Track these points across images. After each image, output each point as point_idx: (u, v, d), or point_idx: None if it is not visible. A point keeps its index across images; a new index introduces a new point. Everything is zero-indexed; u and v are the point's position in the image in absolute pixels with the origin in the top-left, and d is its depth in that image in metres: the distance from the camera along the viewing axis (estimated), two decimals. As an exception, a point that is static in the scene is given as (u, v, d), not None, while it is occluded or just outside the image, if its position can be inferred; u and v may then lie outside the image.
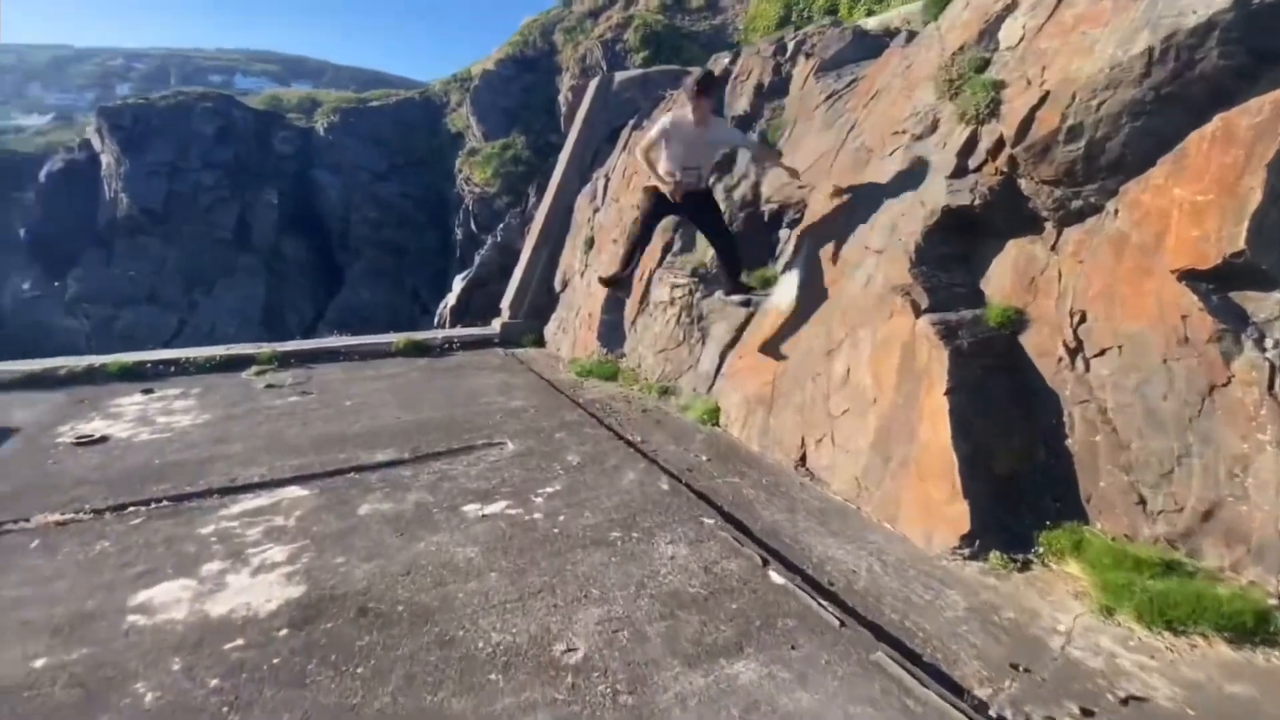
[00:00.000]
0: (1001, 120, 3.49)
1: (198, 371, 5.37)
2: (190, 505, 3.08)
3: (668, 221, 5.53)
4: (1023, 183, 3.43)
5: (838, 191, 4.30)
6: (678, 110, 4.11)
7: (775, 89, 5.50)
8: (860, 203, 4.09)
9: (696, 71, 4.34)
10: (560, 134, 20.65)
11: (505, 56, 23.48)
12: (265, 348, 5.80)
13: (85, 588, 2.39)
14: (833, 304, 3.91)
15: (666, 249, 5.48)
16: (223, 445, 3.84)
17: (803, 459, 3.67)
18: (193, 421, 4.26)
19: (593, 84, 7.46)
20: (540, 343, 6.91)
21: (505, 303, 7.09)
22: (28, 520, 2.90)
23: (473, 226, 19.27)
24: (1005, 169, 3.46)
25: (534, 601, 2.34)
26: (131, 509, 3.02)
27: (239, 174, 19.05)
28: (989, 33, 3.96)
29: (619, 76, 7.45)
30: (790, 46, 5.59)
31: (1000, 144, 3.47)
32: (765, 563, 2.62)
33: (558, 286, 7.01)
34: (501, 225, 8.81)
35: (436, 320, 8.38)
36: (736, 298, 4.57)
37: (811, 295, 4.11)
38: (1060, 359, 3.17)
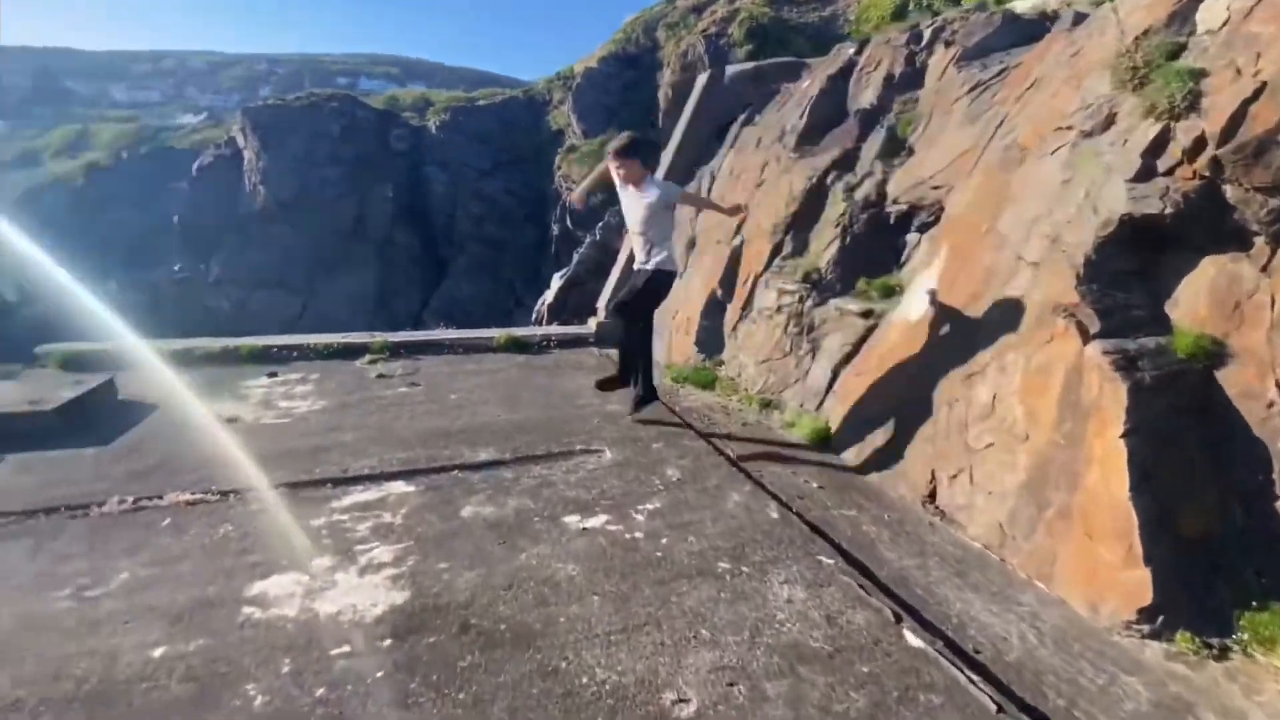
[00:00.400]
0: (1203, 115, 2.94)
1: (317, 357, 5.66)
2: (304, 494, 3.16)
3: (778, 221, 5.22)
4: (1228, 189, 2.87)
5: (984, 192, 3.83)
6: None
7: (908, 80, 5.03)
8: (1011, 206, 3.61)
9: (619, 137, 3.95)
10: (659, 131, 20.60)
11: (608, 54, 23.68)
12: (378, 337, 6.04)
13: (207, 573, 2.47)
14: (974, 321, 3.47)
15: (775, 252, 5.17)
16: (336, 434, 3.96)
17: (932, 495, 3.28)
18: (310, 407, 4.45)
19: (701, 78, 7.23)
20: (635, 344, 6.77)
21: (601, 302, 7.01)
22: (161, 498, 3.07)
23: (569, 223, 19.59)
24: (1206, 172, 2.92)
25: (640, 636, 2.16)
26: (253, 493, 3.14)
27: (360, 169, 20.39)
28: (1182, 15, 3.38)
29: (730, 70, 7.16)
30: (927, 34, 5.09)
31: (1200, 143, 2.92)
32: (898, 619, 2.30)
33: (656, 287, 6.85)
34: (600, 224, 8.79)
35: (534, 317, 8.48)
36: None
37: (947, 310, 3.68)
38: (1271, 404, 2.63)
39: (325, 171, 19.88)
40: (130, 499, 3.02)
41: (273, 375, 5.12)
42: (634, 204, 3.88)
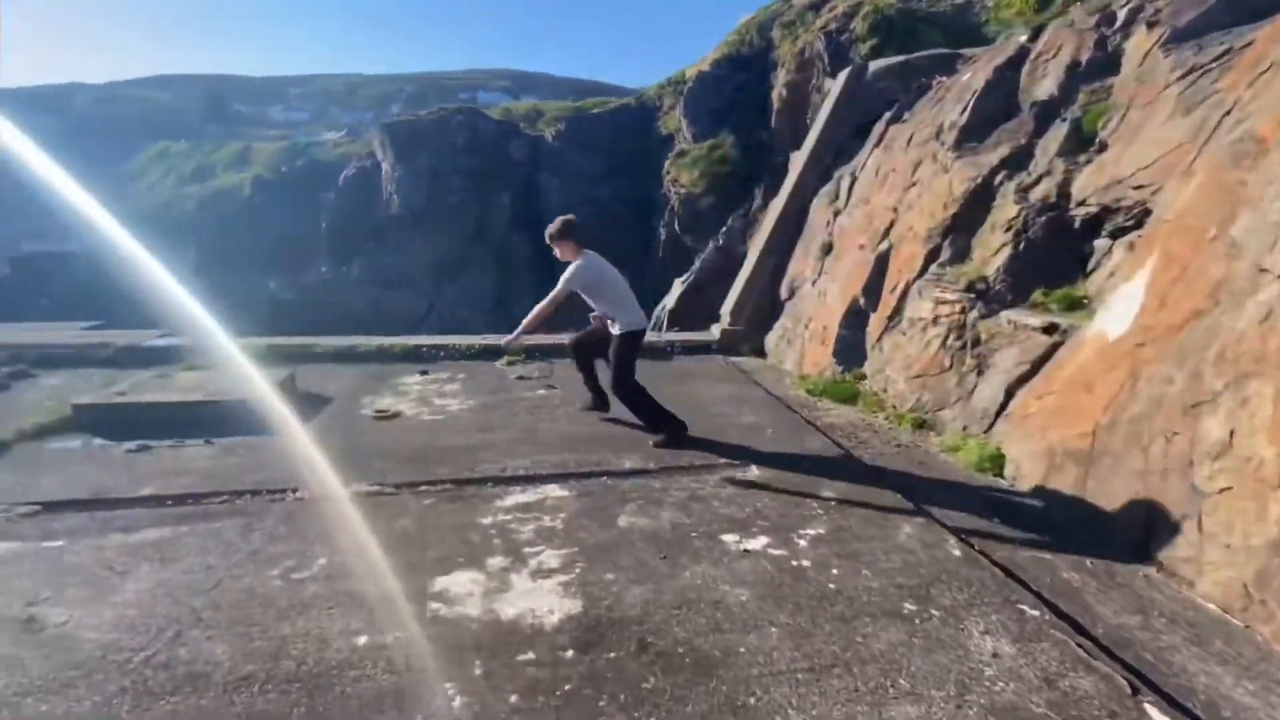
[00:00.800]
0: None
1: (460, 357, 5.96)
2: (469, 492, 3.27)
3: (934, 225, 4.84)
4: None
5: (1207, 192, 3.30)
6: None
7: (1097, 68, 4.48)
8: (1248, 209, 3.07)
9: (553, 223, 4.45)
10: (770, 132, 20.14)
11: (721, 56, 23.51)
12: (511, 339, 6.26)
13: (393, 565, 2.59)
14: (1199, 341, 2.99)
15: (930, 258, 4.78)
16: (487, 433, 4.11)
17: (1145, 542, 2.85)
18: (460, 406, 4.67)
19: (842, 76, 6.89)
20: (759, 352, 6.57)
21: (726, 309, 6.87)
22: (345, 487, 3.29)
23: (676, 228, 19.61)
24: None
25: (829, 679, 2.00)
26: (424, 488, 3.30)
27: (481, 178, 21.59)
28: None
29: (873, 66, 6.78)
30: (1121, 14, 4.50)
31: None
32: (1134, 690, 1.98)
33: (783, 294, 6.61)
34: (724, 228, 8.61)
35: (653, 322, 8.49)
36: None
37: (1159, 325, 3.20)
38: None
39: (451, 181, 21.23)
40: (320, 486, 3.28)
41: (424, 373, 5.44)
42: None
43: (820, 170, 6.70)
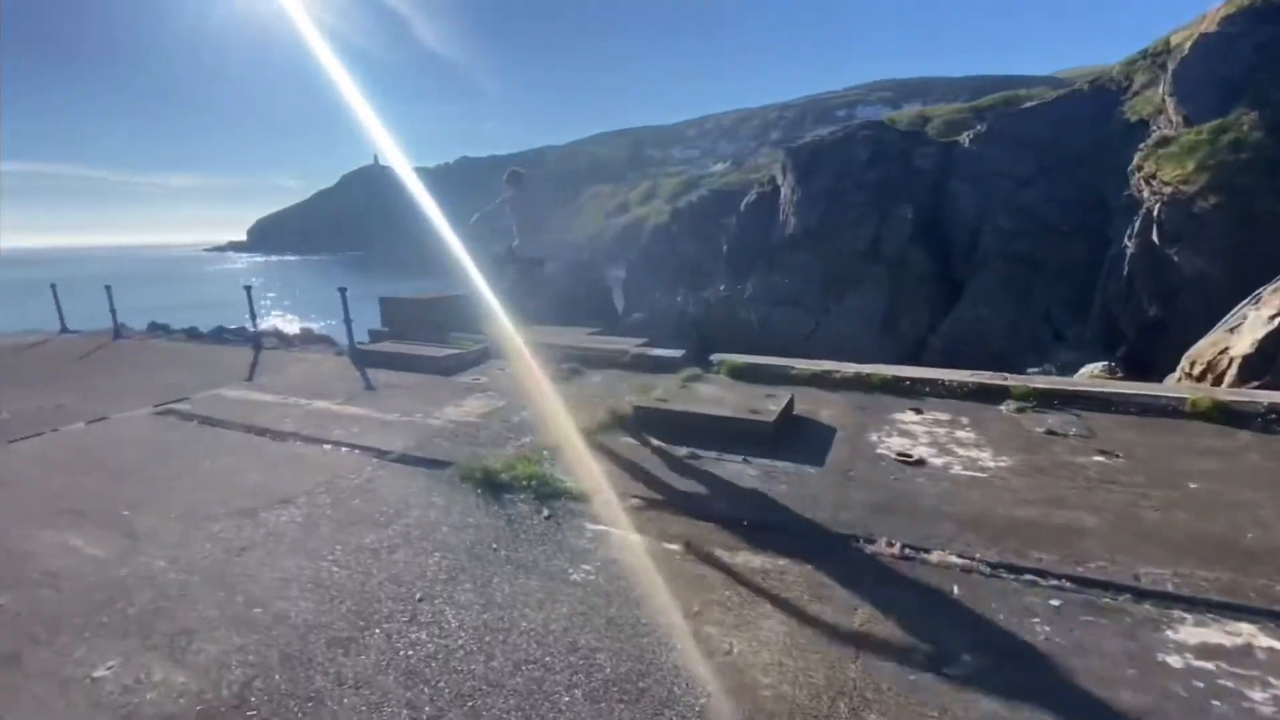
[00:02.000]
0: None
1: (949, 395, 5.19)
2: (1104, 601, 2.46)
3: None
4: None
5: None
6: None
7: None
8: None
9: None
10: (1340, 96, 13.73)
11: (1234, 11, 17.47)
12: (1015, 380, 5.20)
13: (1081, 705, 1.96)
14: None
15: None
16: (1060, 510, 3.22)
17: None
18: (995, 463, 3.88)
19: None
20: None
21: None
22: (927, 552, 2.86)
23: (1155, 237, 15.05)
24: None
25: None
26: (1029, 576, 2.63)
27: (882, 192, 20.53)
28: None
29: None
30: None
31: None
32: None
33: None
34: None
35: (1198, 370, 6.15)
36: None
37: None
38: None
39: (851, 197, 20.74)
40: (897, 544, 2.92)
41: (918, 411, 4.85)
42: None
43: None
